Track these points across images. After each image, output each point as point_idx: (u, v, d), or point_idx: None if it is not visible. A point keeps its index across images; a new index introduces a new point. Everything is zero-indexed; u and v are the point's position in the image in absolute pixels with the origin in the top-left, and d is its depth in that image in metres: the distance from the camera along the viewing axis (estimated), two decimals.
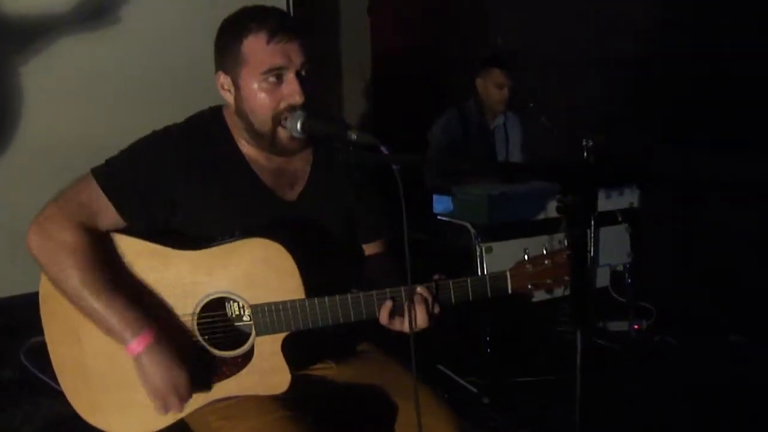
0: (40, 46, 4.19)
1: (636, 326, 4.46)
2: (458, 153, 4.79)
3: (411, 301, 1.95)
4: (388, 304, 1.96)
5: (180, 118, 2.14)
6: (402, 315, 1.97)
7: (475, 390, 3.83)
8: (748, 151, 4.51)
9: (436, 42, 6.10)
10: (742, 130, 4.54)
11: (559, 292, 2.14)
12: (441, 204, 4.15)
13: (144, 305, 1.93)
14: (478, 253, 3.72)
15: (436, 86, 5.75)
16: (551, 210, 3.82)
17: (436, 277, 2.02)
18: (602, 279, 4.24)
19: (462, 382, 3.92)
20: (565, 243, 2.10)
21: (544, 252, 2.07)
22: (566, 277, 2.05)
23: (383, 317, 1.97)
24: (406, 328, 1.96)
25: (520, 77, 4.81)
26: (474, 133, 4.90)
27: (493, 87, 4.77)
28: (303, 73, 1.99)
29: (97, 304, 1.86)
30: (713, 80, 4.68)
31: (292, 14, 5.18)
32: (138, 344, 1.86)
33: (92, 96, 4.40)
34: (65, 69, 4.30)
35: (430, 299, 1.98)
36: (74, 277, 1.87)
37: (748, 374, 3.95)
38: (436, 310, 1.99)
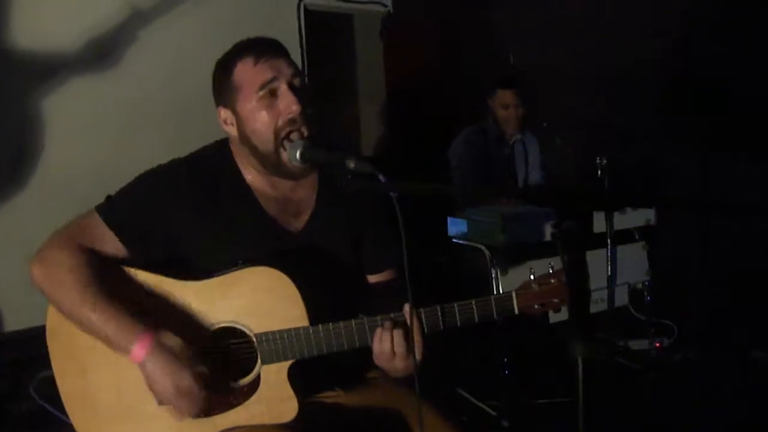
0: (56, 82, 4.25)
1: (657, 344, 4.39)
2: (480, 170, 4.80)
3: (412, 325, 1.92)
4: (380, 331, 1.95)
5: (192, 149, 2.17)
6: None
7: (494, 413, 3.79)
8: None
9: (449, 62, 6.09)
10: (762, 142, 4.49)
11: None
12: (456, 226, 4.13)
13: None
14: (493, 276, 3.69)
15: (452, 106, 5.74)
16: None
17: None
18: (621, 298, 4.19)
19: (481, 405, 3.88)
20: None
21: (550, 271, 2.05)
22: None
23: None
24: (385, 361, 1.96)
25: (532, 97, 4.81)
26: (494, 147, 4.93)
27: (500, 108, 4.80)
28: (296, 83, 2.00)
29: (94, 317, 1.87)
30: (730, 93, 4.65)
31: (305, 38, 5.24)
32: (139, 350, 1.86)
33: (107, 129, 4.45)
34: (81, 103, 4.35)
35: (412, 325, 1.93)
36: (72, 294, 1.89)
37: None
38: (416, 337, 1.94)
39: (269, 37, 2.08)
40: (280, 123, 1.99)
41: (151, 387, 1.89)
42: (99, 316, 1.87)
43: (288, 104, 1.98)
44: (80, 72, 4.33)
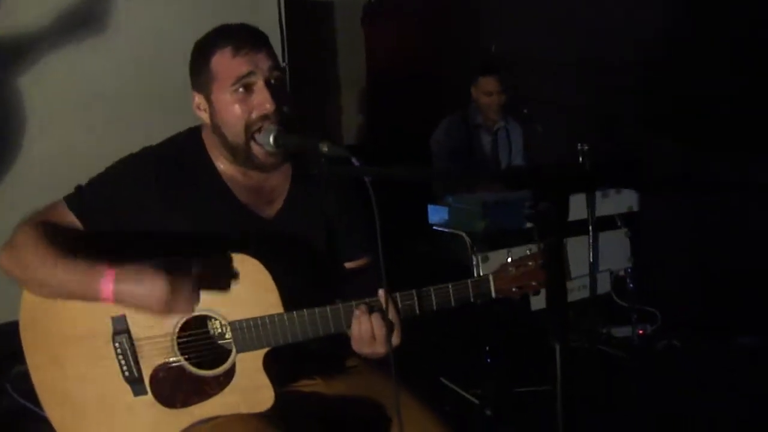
0: (36, 67, 4.19)
1: (640, 331, 4.40)
2: (462, 158, 4.79)
3: (387, 308, 1.90)
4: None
5: (177, 127, 2.15)
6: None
7: (477, 402, 3.79)
8: (748, 150, 4.46)
9: (431, 50, 6.08)
10: (742, 130, 4.49)
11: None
12: (437, 214, 4.11)
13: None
14: (474, 263, 3.68)
15: (433, 94, 5.73)
16: None
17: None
18: (603, 285, 4.18)
19: (464, 394, 3.88)
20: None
21: (528, 253, 2.03)
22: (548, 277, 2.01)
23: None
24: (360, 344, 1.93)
25: (514, 84, 4.79)
26: (477, 136, 4.92)
27: (483, 95, 4.81)
28: (273, 81, 1.97)
29: (58, 273, 1.85)
30: (711, 80, 4.64)
31: (285, 27, 5.20)
32: (106, 286, 1.82)
33: (90, 116, 4.41)
34: (62, 90, 4.31)
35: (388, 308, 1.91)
36: (35, 261, 1.87)
37: (757, 377, 3.90)
38: (393, 319, 1.92)
39: (252, 26, 2.05)
40: (252, 117, 1.96)
41: (141, 306, 1.84)
42: (62, 269, 1.84)
43: (262, 101, 1.95)
44: (61, 58, 4.27)
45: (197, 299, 1.88)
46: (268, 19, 5.14)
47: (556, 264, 1.36)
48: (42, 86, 4.25)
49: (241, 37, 1.98)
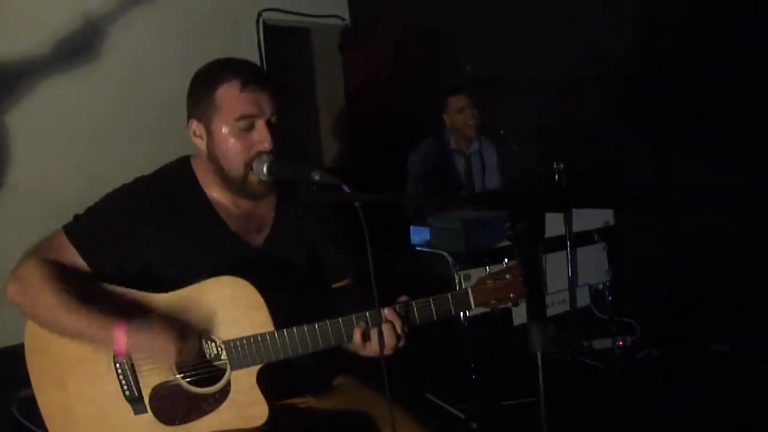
0: (23, 90, 4.23)
1: (620, 342, 4.47)
2: (438, 181, 4.86)
3: (380, 325, 1.99)
4: (362, 324, 2.02)
5: (160, 153, 2.23)
6: (371, 339, 2.02)
7: (463, 416, 3.84)
8: (723, 165, 4.54)
9: (408, 74, 6.15)
10: (717, 147, 4.57)
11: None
12: (418, 235, 4.17)
13: None
14: (456, 281, 3.74)
15: (410, 117, 5.79)
16: None
17: (403, 299, 2.07)
18: (582, 298, 4.26)
19: (450, 409, 3.93)
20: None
21: (505, 266, 2.13)
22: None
23: (357, 339, 2.02)
24: (376, 350, 2.01)
25: (490, 105, 4.87)
26: (452, 160, 4.98)
27: (455, 113, 4.88)
28: (273, 120, 2.06)
29: (70, 321, 1.92)
30: (685, 98, 4.72)
31: (264, 52, 5.28)
32: (119, 339, 1.89)
33: (77, 139, 4.45)
34: (49, 113, 4.35)
35: (396, 321, 2.02)
36: (46, 300, 1.94)
37: (732, 382, 3.99)
38: (402, 330, 2.03)
39: (257, 66, 2.15)
40: (251, 153, 2.05)
41: (151, 360, 1.96)
42: (75, 317, 1.91)
43: (262, 140, 2.05)
44: (48, 82, 4.31)
45: (201, 352, 1.99)
46: (248, 44, 5.22)
47: (533, 278, 1.45)
48: (31, 109, 4.30)
49: (249, 73, 2.06)
